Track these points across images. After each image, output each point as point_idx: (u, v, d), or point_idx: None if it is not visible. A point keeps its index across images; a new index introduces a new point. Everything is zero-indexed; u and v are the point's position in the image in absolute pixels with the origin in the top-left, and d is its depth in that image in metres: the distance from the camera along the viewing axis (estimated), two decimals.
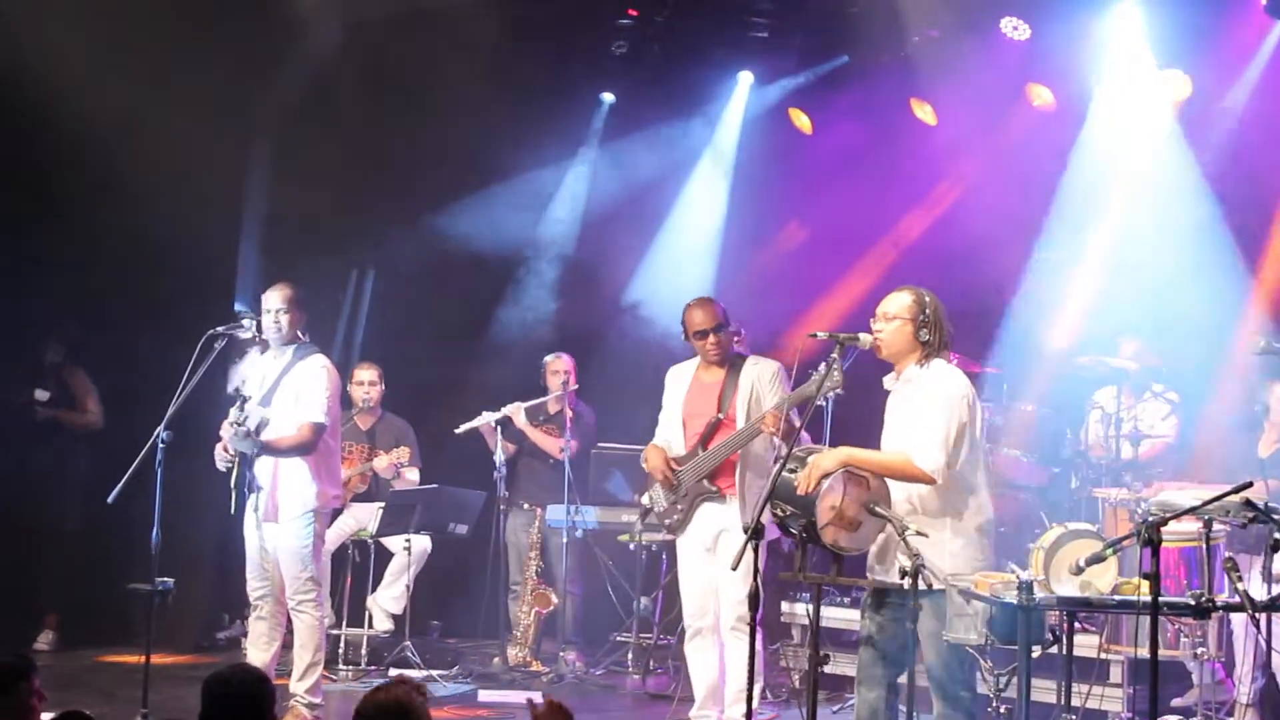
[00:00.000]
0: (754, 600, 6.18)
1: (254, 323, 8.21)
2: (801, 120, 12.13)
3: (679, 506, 8.02)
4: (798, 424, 7.03)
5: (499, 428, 10.42)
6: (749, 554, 6.12)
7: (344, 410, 10.34)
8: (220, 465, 8.24)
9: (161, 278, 10.64)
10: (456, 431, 10.44)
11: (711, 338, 8.08)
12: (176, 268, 10.56)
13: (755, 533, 6.12)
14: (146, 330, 10.48)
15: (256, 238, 11.17)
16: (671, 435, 8.18)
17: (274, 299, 8.25)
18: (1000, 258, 10.59)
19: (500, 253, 12.09)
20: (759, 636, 7.48)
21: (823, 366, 6.83)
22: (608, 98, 12.34)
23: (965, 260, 10.52)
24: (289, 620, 8.35)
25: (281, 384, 8.21)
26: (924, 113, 11.45)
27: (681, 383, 8.24)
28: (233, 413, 8.02)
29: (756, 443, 7.83)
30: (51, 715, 4.78)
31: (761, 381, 7.96)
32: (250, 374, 8.39)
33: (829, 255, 11.82)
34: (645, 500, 8.34)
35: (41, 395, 10.58)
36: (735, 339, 8.35)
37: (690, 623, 8.13)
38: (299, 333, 8.30)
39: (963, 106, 11.05)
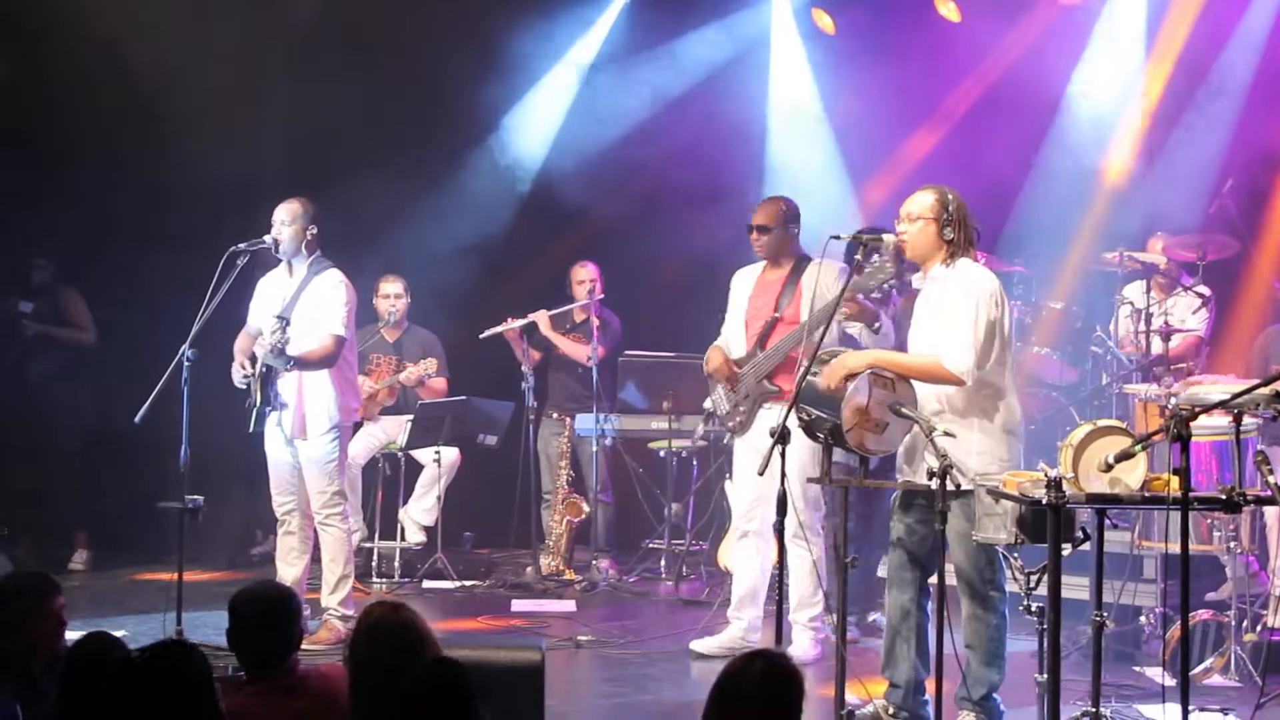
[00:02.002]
0: (781, 505, 6.16)
1: (275, 240, 8.17)
2: (824, 20, 11.97)
3: (741, 409, 7.98)
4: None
5: (525, 336, 10.41)
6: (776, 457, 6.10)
7: (370, 324, 10.36)
8: (237, 381, 8.22)
9: (177, 191, 10.58)
10: (481, 336, 10.40)
11: (754, 234, 8.09)
12: (193, 180, 10.50)
13: (781, 436, 6.09)
14: (161, 247, 10.46)
15: (277, 151, 11.14)
16: (734, 336, 8.14)
17: (280, 212, 8.21)
18: (1027, 154, 10.50)
19: (521, 160, 12.04)
20: (820, 543, 7.53)
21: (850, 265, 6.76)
22: None
23: (990, 158, 10.41)
24: (317, 534, 8.37)
25: (300, 299, 8.17)
26: (947, 10, 11.29)
27: (747, 284, 8.19)
28: (273, 334, 7.96)
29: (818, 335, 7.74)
30: (78, 634, 4.79)
31: (825, 281, 7.63)
32: (268, 292, 8.34)
33: (854, 154, 11.70)
34: (707, 404, 8.40)
35: (25, 306, 10.50)
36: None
37: (739, 525, 8.19)
38: (305, 247, 8.22)
39: (987, 2, 10.90)
